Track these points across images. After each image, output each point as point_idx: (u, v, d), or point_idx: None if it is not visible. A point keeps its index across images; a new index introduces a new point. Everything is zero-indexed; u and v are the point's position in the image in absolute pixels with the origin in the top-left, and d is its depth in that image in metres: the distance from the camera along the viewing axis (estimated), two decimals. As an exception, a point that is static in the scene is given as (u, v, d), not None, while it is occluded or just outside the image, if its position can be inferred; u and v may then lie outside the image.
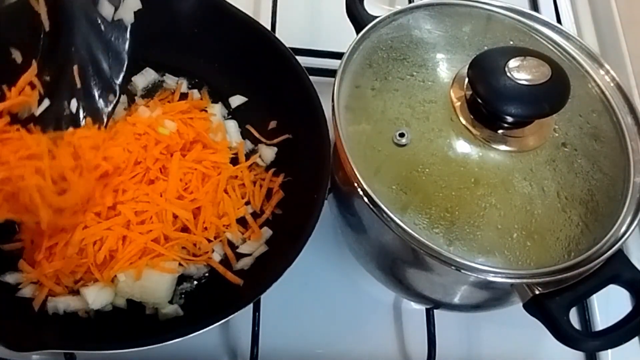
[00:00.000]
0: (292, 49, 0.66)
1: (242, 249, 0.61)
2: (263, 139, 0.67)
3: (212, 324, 0.51)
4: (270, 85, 0.67)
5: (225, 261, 0.61)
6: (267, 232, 0.62)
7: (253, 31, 0.66)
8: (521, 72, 0.47)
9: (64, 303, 0.55)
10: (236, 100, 0.69)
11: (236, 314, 0.52)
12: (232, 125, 0.68)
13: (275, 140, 0.66)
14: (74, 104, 0.61)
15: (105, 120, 0.62)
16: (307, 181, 0.60)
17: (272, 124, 0.67)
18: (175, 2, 0.68)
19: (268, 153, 0.66)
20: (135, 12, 0.66)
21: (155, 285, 0.57)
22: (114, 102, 0.64)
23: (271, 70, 0.66)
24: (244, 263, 0.60)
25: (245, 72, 0.69)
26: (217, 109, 0.68)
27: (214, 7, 0.67)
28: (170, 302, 0.58)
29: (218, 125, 0.66)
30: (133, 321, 0.57)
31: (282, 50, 0.65)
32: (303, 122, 0.63)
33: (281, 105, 0.67)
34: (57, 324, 0.55)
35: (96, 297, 0.56)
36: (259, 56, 0.67)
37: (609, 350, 0.64)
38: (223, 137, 0.66)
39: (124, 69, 0.65)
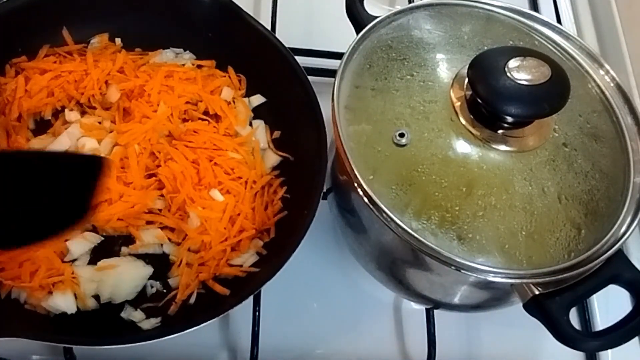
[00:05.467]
0: (292, 49, 0.66)
1: (232, 261, 0.60)
2: (272, 146, 0.67)
3: (196, 325, 0.51)
4: (278, 97, 0.67)
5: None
6: (258, 243, 0.61)
7: (265, 43, 0.66)
8: (521, 72, 0.47)
9: (23, 294, 0.55)
10: (255, 100, 0.69)
11: (216, 319, 0.52)
12: (261, 125, 0.68)
13: (279, 153, 0.66)
14: None
15: None
16: (300, 197, 0.60)
17: (276, 134, 0.67)
18: (191, 6, 0.68)
19: (272, 158, 0.66)
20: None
21: (114, 281, 0.56)
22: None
23: (281, 84, 0.66)
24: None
25: (255, 80, 0.69)
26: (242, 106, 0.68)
27: (230, 13, 0.67)
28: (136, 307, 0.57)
29: (246, 119, 0.67)
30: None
31: (293, 66, 0.64)
32: (305, 139, 0.63)
33: (286, 118, 0.67)
34: (45, 319, 0.55)
35: (60, 301, 0.55)
36: (270, 68, 0.66)
37: (609, 350, 0.64)
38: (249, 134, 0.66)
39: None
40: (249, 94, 0.69)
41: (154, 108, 0.64)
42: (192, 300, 0.57)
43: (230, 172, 0.63)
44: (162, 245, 0.60)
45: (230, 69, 0.69)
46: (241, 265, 0.60)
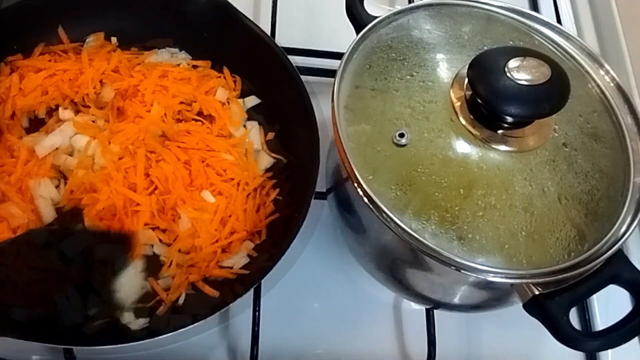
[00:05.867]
0: (292, 49, 0.66)
1: (223, 263, 0.60)
2: (265, 148, 0.67)
3: (188, 325, 0.51)
4: (272, 97, 0.67)
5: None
6: (249, 245, 0.61)
7: (260, 43, 0.66)
8: (521, 72, 0.47)
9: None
10: (250, 102, 0.69)
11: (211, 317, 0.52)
12: (255, 126, 0.67)
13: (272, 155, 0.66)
14: None
15: None
16: (292, 199, 0.61)
17: (270, 136, 0.67)
18: (187, 6, 0.68)
19: (266, 160, 0.66)
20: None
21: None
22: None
23: (275, 84, 0.66)
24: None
25: (249, 80, 0.69)
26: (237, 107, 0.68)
27: (225, 13, 0.67)
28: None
29: (240, 120, 0.66)
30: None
31: (287, 66, 0.64)
32: (298, 140, 0.63)
33: (280, 118, 0.67)
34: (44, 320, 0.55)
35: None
36: (264, 68, 0.66)
37: (609, 350, 0.64)
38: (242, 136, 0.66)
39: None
40: (243, 94, 0.69)
41: (147, 108, 0.64)
42: (181, 301, 0.57)
43: (223, 174, 0.63)
44: (152, 245, 0.60)
45: (226, 70, 0.69)
46: (232, 267, 0.59)
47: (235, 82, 0.69)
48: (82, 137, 0.62)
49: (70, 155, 0.62)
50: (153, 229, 0.60)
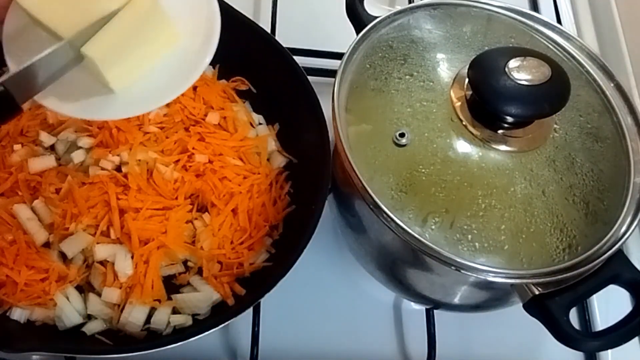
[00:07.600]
0: (292, 49, 0.66)
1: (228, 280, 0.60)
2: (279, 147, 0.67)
3: (198, 334, 0.51)
4: (275, 98, 0.67)
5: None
6: (267, 240, 0.61)
7: (267, 46, 0.66)
8: (521, 72, 0.47)
9: (25, 312, 0.54)
10: (260, 120, 0.68)
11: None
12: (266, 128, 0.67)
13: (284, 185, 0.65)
14: None
15: None
16: (306, 193, 0.60)
17: (283, 162, 0.67)
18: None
19: (279, 159, 0.66)
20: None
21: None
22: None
23: (279, 85, 0.65)
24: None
25: (255, 80, 0.69)
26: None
27: (230, 19, 0.66)
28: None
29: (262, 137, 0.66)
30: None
31: (294, 68, 0.64)
32: (309, 146, 0.63)
33: (287, 116, 0.66)
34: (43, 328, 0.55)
35: (70, 313, 0.55)
36: (271, 69, 0.66)
37: (609, 350, 0.64)
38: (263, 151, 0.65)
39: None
40: (243, 95, 0.68)
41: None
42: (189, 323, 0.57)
43: (232, 181, 0.62)
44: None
45: (232, 91, 0.68)
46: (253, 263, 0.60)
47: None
48: (82, 152, 0.61)
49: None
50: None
